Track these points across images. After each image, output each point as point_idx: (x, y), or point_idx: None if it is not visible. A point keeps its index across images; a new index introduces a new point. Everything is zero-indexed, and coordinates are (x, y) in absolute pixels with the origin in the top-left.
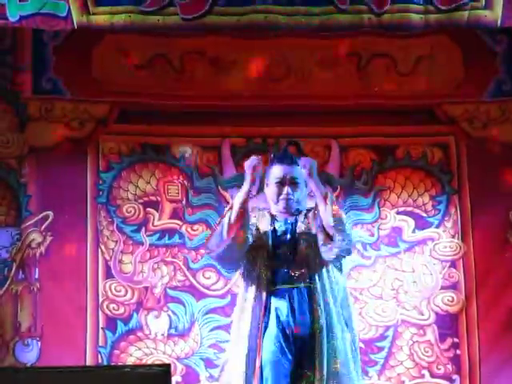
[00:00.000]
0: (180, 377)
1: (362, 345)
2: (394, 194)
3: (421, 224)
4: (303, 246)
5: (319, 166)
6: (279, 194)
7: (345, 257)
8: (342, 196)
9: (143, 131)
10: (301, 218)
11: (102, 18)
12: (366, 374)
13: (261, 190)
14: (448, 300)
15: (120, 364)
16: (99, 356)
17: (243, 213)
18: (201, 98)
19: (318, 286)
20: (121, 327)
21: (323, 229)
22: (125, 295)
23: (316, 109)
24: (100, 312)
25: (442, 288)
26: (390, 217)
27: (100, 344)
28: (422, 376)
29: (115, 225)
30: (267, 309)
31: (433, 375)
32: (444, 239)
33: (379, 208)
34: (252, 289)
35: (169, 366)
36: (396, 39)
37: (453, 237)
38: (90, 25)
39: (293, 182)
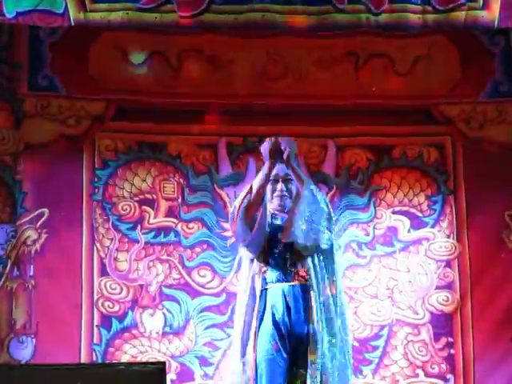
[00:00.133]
0: (175, 375)
1: (356, 344)
2: (390, 193)
3: (416, 224)
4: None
5: (316, 165)
6: (273, 191)
7: (308, 248)
8: (337, 195)
9: (140, 129)
10: None
11: (99, 15)
12: (360, 372)
13: None
14: (443, 300)
15: (115, 362)
16: (94, 353)
17: (261, 196)
18: (198, 96)
19: (314, 284)
20: (116, 325)
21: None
22: (120, 293)
23: (313, 108)
24: (95, 309)
25: (437, 288)
26: (385, 216)
27: (95, 341)
28: (417, 375)
29: (111, 222)
30: (262, 306)
31: (427, 374)
32: (439, 239)
33: (375, 207)
34: (248, 285)
35: (164, 364)
36: (394, 39)
37: (448, 237)
38: (87, 22)
39: (286, 179)
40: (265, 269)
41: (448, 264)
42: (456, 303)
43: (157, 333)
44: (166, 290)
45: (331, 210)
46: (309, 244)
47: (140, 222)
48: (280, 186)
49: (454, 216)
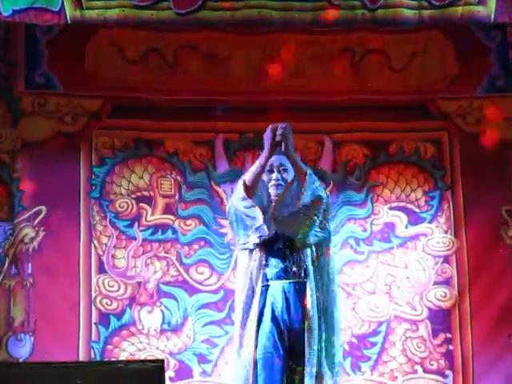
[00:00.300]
0: (173, 372)
1: (354, 340)
2: (387, 189)
3: (414, 219)
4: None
5: (312, 161)
6: (269, 181)
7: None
8: (334, 191)
9: (137, 126)
10: None
11: (95, 12)
12: (359, 369)
13: None
14: (441, 295)
15: (113, 360)
16: (92, 351)
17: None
18: (194, 93)
19: (312, 282)
20: (114, 322)
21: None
22: (118, 290)
23: (309, 104)
24: (93, 307)
25: (435, 283)
26: (382, 212)
27: (93, 339)
28: (415, 371)
29: (108, 220)
30: (262, 303)
31: (425, 370)
32: (437, 235)
33: (372, 203)
34: (247, 281)
35: (162, 361)
36: (389, 35)
37: (446, 232)
38: (83, 19)
39: (282, 169)
40: (264, 264)
41: (446, 260)
42: (454, 299)
43: (155, 330)
44: (163, 287)
45: (329, 202)
46: (302, 234)
47: (137, 220)
48: (275, 175)
49: (452, 211)
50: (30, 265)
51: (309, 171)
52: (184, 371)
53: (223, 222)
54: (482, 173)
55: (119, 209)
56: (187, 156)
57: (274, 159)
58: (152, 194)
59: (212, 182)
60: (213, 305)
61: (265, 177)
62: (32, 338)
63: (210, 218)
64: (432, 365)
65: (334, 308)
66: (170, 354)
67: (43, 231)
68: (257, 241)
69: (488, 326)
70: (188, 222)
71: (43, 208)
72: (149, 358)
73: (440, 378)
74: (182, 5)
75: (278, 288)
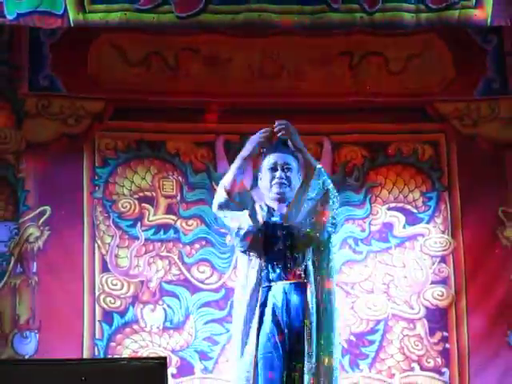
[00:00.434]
0: (175, 369)
1: (353, 338)
2: (385, 190)
3: (411, 220)
4: (300, 242)
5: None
6: (272, 179)
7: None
8: None
9: (139, 128)
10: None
11: (97, 16)
12: (357, 366)
13: (254, 186)
14: (438, 295)
15: (117, 356)
16: (96, 348)
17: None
18: (195, 95)
19: (313, 282)
20: (117, 320)
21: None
22: (121, 289)
23: (308, 106)
24: (96, 305)
25: (432, 283)
26: (381, 212)
27: (97, 336)
28: (412, 369)
29: (111, 220)
30: (263, 303)
31: (422, 368)
32: (434, 235)
33: (370, 204)
34: (247, 282)
35: (165, 359)
36: (387, 38)
37: (443, 232)
38: (86, 23)
39: (286, 168)
40: (265, 266)
41: (443, 259)
42: (451, 298)
43: (157, 328)
44: (166, 286)
45: (337, 197)
46: (310, 231)
47: (140, 219)
48: (279, 173)
49: (449, 212)
50: (34, 264)
51: (318, 166)
52: (186, 368)
53: None
54: (479, 174)
55: (122, 209)
56: (189, 157)
57: (279, 157)
58: (154, 194)
59: (213, 183)
60: (214, 303)
61: (266, 176)
62: (37, 336)
63: (211, 218)
64: (429, 362)
65: (334, 307)
66: (172, 351)
67: (48, 231)
68: (242, 248)
69: (484, 325)
70: (189, 221)
71: (47, 208)
72: (151, 355)
73: (437, 376)
74: (183, 8)
75: (278, 289)
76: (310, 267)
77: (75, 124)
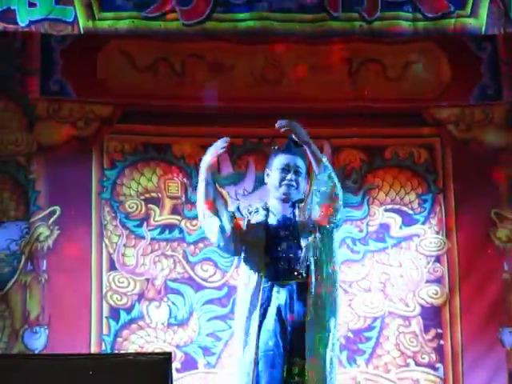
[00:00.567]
0: (179, 363)
1: (350, 335)
2: (383, 192)
3: (407, 221)
4: (303, 241)
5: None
6: (283, 180)
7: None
8: None
9: (145, 131)
10: (296, 211)
11: (106, 23)
12: (354, 362)
13: (256, 188)
14: (432, 293)
15: (123, 352)
16: (103, 343)
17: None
18: (200, 100)
19: (314, 281)
20: (124, 316)
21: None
22: (127, 286)
23: (309, 111)
24: (104, 302)
25: (427, 282)
26: (378, 214)
27: (104, 332)
28: (408, 365)
29: (118, 220)
30: (265, 302)
31: (417, 364)
32: (429, 235)
33: (368, 205)
34: (250, 281)
35: (170, 354)
36: (386, 45)
37: (437, 233)
38: (95, 30)
39: (296, 171)
40: (268, 265)
41: (437, 259)
42: (445, 296)
43: (162, 324)
44: (170, 284)
45: (341, 193)
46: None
47: (146, 220)
48: (290, 175)
49: (443, 214)
50: (44, 262)
51: (324, 158)
52: (190, 363)
53: None
54: (473, 177)
55: (129, 209)
56: (193, 159)
57: (291, 159)
58: (160, 195)
59: (217, 184)
60: (217, 300)
61: (276, 175)
62: (47, 331)
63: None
64: (424, 358)
65: (335, 305)
66: (177, 346)
67: (57, 230)
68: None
69: (477, 322)
70: (194, 222)
71: (57, 208)
72: (157, 350)
73: (431, 371)
74: (189, 16)
75: (282, 288)
76: (313, 267)
77: (84, 127)
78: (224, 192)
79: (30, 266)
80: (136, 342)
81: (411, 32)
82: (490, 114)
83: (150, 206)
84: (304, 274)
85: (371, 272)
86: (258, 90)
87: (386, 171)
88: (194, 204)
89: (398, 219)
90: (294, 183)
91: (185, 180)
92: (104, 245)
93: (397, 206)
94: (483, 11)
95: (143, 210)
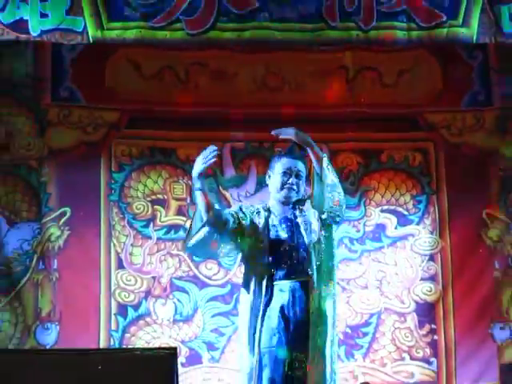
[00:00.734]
0: (184, 358)
1: (348, 330)
2: (379, 193)
3: (402, 221)
4: (307, 241)
5: (310, 168)
6: (284, 183)
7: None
8: None
9: (152, 136)
10: (297, 212)
11: (114, 33)
12: (352, 356)
13: (257, 190)
14: (427, 290)
15: (131, 347)
16: (111, 339)
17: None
18: (204, 106)
19: (316, 280)
20: (131, 313)
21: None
22: (135, 284)
23: (308, 116)
24: (112, 299)
25: (422, 279)
26: (374, 214)
27: (112, 328)
28: (403, 359)
29: (126, 220)
30: (268, 301)
31: (412, 358)
32: (423, 235)
33: (365, 206)
34: (254, 281)
35: (175, 349)
36: (381, 53)
37: (431, 233)
38: (104, 39)
39: (298, 175)
40: (271, 265)
41: (431, 258)
42: (438, 293)
43: (168, 320)
44: (176, 282)
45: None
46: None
47: (152, 220)
48: (292, 179)
49: (437, 214)
50: (55, 261)
51: (324, 156)
52: (194, 358)
53: None
54: (465, 179)
55: (136, 210)
56: None
57: (293, 163)
58: (166, 197)
59: (220, 187)
60: (220, 298)
61: (278, 178)
62: (58, 327)
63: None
64: (418, 353)
65: (335, 303)
66: (182, 342)
67: (67, 230)
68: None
69: (469, 318)
70: None
71: (68, 209)
72: (163, 345)
73: (425, 365)
74: (193, 26)
75: (285, 287)
76: (314, 266)
77: (93, 132)
78: (227, 194)
79: (41, 265)
80: (143, 338)
81: (406, 41)
82: (480, 120)
83: (156, 207)
84: (306, 273)
85: (368, 270)
86: (259, 97)
87: (382, 174)
88: None
89: (394, 220)
90: (294, 187)
91: (189, 182)
92: (112, 244)
93: (392, 207)
94: (474, 21)
95: (150, 211)
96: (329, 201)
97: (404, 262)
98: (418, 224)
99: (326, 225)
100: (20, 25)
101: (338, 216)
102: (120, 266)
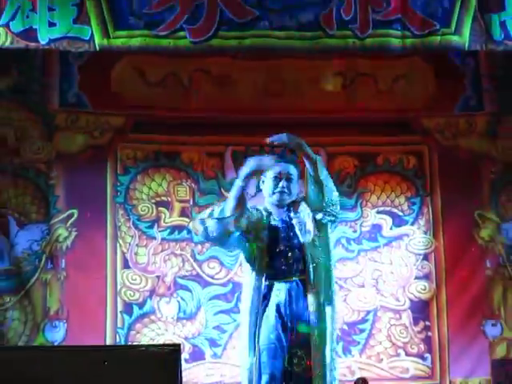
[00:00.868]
0: (188, 354)
1: (345, 327)
2: (375, 195)
3: (398, 222)
4: (302, 241)
5: (303, 170)
6: (275, 187)
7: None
8: None
9: (156, 140)
10: (291, 213)
11: (120, 41)
12: (349, 352)
13: (258, 192)
14: (421, 288)
15: (136, 343)
16: (117, 336)
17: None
18: (207, 111)
19: (312, 279)
20: (136, 311)
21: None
22: (140, 283)
23: (307, 121)
24: (118, 298)
25: (416, 278)
26: (370, 215)
27: (118, 325)
28: (398, 354)
29: (131, 222)
30: (266, 300)
31: (407, 354)
32: (418, 235)
33: (361, 208)
34: (253, 279)
35: (179, 345)
36: (377, 60)
37: (425, 233)
38: (110, 47)
39: (288, 178)
40: (268, 265)
41: (425, 257)
42: (432, 291)
43: (172, 318)
44: (179, 281)
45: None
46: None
47: (157, 221)
48: (282, 183)
49: (431, 215)
50: (63, 261)
51: (318, 158)
52: (197, 354)
53: None
54: (458, 181)
55: (141, 212)
56: (200, 166)
57: (283, 167)
58: (169, 199)
59: (222, 189)
60: (222, 296)
61: (270, 183)
62: (65, 325)
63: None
64: (413, 349)
65: (332, 301)
66: (185, 338)
67: (75, 231)
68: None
69: (461, 315)
70: None
71: (75, 211)
72: (167, 342)
73: (420, 361)
74: (196, 34)
75: (281, 286)
76: (310, 265)
77: (100, 137)
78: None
79: (49, 265)
80: (148, 335)
81: (400, 48)
82: (472, 124)
83: (160, 208)
84: (302, 273)
85: (364, 269)
86: (260, 102)
87: (378, 176)
88: (200, 207)
89: (389, 220)
90: (286, 190)
91: (192, 185)
92: (118, 245)
93: (388, 208)
94: (466, 29)
95: (154, 213)
96: (328, 196)
97: (399, 261)
98: (412, 224)
99: (321, 225)
100: (29, 33)
101: (334, 215)
102: (125, 265)
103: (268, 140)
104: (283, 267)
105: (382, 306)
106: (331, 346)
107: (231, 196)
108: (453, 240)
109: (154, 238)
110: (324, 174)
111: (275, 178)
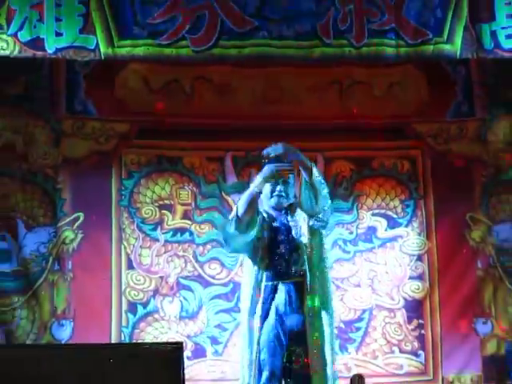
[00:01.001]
0: (190, 352)
1: (342, 325)
2: (370, 198)
3: (392, 224)
4: (299, 243)
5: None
6: (273, 191)
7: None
8: None
9: (159, 145)
10: (289, 216)
11: (124, 50)
12: (346, 349)
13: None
14: (415, 288)
15: (140, 341)
16: (122, 334)
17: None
18: (208, 118)
19: (310, 280)
20: (140, 310)
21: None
22: (144, 283)
23: (304, 127)
24: (123, 297)
25: (410, 278)
26: (366, 218)
27: (123, 324)
28: (393, 352)
29: (135, 224)
30: (266, 300)
31: (401, 351)
32: (411, 237)
33: (357, 210)
34: (252, 280)
35: (181, 343)
36: (372, 68)
37: (419, 235)
38: (114, 56)
39: (285, 181)
40: (268, 267)
41: (419, 258)
42: (426, 291)
43: (175, 317)
44: (182, 281)
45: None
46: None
47: (160, 224)
48: (279, 187)
49: (424, 217)
50: (70, 262)
51: (313, 165)
52: (199, 351)
53: None
54: (450, 184)
55: (145, 215)
56: (202, 170)
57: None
58: (172, 202)
59: (222, 193)
60: (223, 296)
61: (267, 187)
62: (72, 324)
63: (220, 222)
64: (407, 346)
65: (329, 302)
66: (188, 336)
67: (81, 234)
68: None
69: (454, 314)
70: (202, 226)
71: (81, 214)
72: (170, 340)
73: (414, 357)
74: (197, 43)
75: (280, 287)
76: (308, 267)
77: (105, 142)
78: (229, 199)
79: (56, 266)
80: (151, 333)
81: (394, 56)
82: (464, 129)
83: (163, 211)
84: (299, 274)
85: (360, 269)
86: (259, 109)
87: (373, 180)
88: (202, 210)
89: (384, 222)
90: (283, 193)
91: (194, 189)
92: (123, 246)
93: (383, 211)
94: (458, 38)
95: (157, 216)
96: (322, 202)
97: (394, 262)
98: (406, 226)
99: (313, 230)
100: (37, 43)
101: (324, 221)
102: (130, 266)
103: (264, 152)
104: (282, 269)
105: (377, 305)
106: (330, 345)
107: (243, 200)
108: (445, 241)
109: (158, 239)
110: (318, 181)
111: (272, 182)
